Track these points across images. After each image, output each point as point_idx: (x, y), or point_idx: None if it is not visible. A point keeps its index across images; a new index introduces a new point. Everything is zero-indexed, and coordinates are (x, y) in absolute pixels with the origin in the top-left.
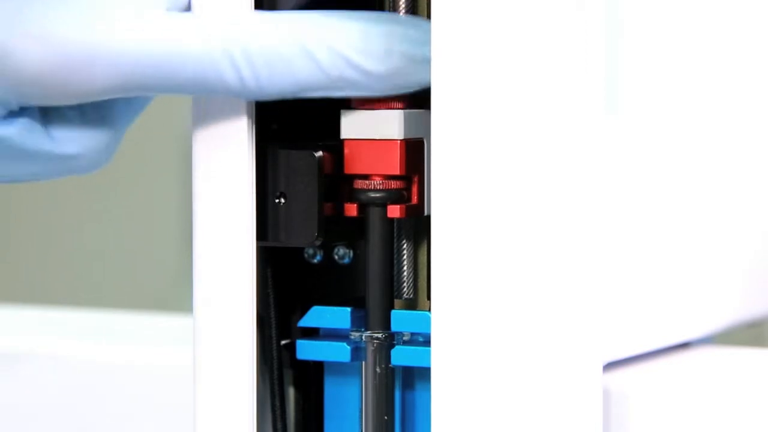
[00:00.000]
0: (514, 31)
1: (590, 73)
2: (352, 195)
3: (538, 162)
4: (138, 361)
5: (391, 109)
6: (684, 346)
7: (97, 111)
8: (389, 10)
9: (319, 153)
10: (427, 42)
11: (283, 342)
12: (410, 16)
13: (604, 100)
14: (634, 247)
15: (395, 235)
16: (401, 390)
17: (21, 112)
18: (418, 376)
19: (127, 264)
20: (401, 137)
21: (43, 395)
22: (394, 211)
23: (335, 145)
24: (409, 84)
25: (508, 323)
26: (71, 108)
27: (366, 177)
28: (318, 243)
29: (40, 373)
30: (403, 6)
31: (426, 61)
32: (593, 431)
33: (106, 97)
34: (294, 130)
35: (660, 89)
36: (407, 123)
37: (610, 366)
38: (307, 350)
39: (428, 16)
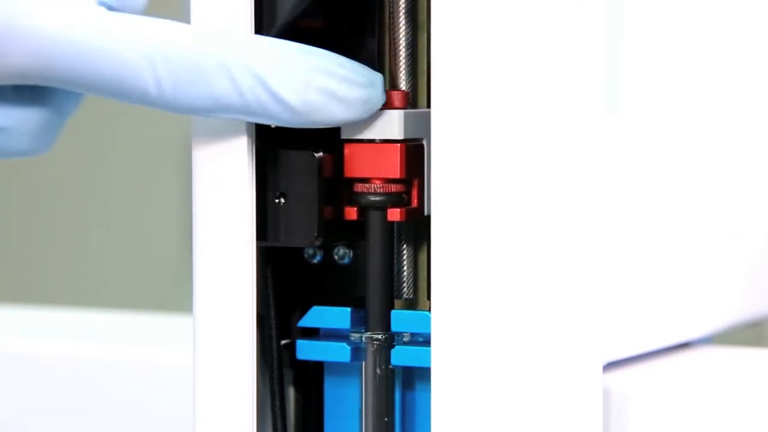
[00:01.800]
0: (514, 30)
1: (590, 73)
2: (352, 198)
3: (538, 162)
4: (138, 361)
5: (391, 109)
6: (684, 346)
7: (33, 89)
8: (389, 11)
9: (319, 153)
10: (353, 82)
11: (283, 342)
12: (339, 55)
13: (604, 101)
14: (634, 247)
15: (395, 235)
16: (401, 390)
17: None
18: (418, 376)
19: (127, 264)
20: (401, 137)
21: (43, 395)
22: (395, 214)
23: (335, 145)
24: (324, 121)
25: (508, 323)
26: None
27: (366, 180)
28: (318, 243)
29: (40, 373)
30: (403, 7)
31: (344, 101)
32: (593, 431)
33: (23, 82)
34: (294, 130)
35: (660, 90)
36: (407, 123)
37: (610, 366)
38: (307, 350)
39: (428, 16)
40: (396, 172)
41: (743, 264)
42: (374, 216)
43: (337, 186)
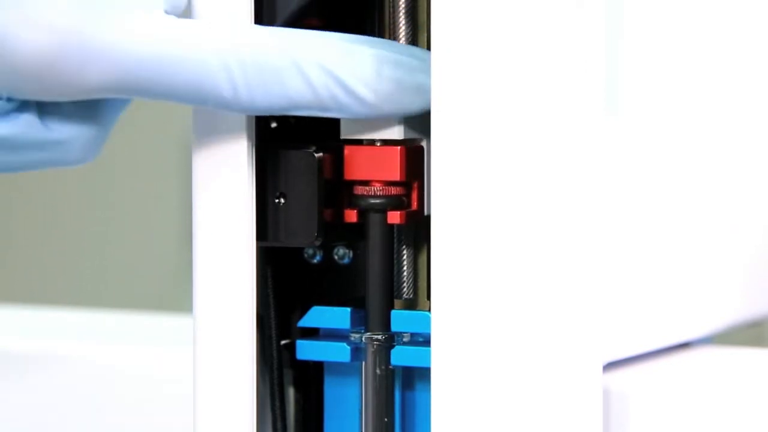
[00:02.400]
0: (514, 30)
1: (590, 73)
2: (352, 201)
3: (538, 162)
4: (138, 361)
5: None
6: (684, 346)
7: (88, 102)
8: (389, 12)
9: (319, 153)
10: (419, 70)
11: (283, 342)
12: (404, 44)
13: (604, 101)
14: (634, 247)
15: (395, 235)
16: (401, 390)
17: (21, 107)
18: (418, 376)
19: (127, 264)
20: (401, 137)
21: (42, 395)
22: (394, 217)
23: (335, 145)
24: (397, 110)
25: (508, 323)
26: None
27: (366, 183)
28: (318, 243)
29: (40, 374)
30: (403, 7)
31: (417, 90)
32: (593, 431)
33: (99, 96)
34: (294, 130)
35: (660, 90)
36: (407, 123)
37: (610, 366)
38: (307, 350)
39: (428, 16)
40: (396, 174)
41: (743, 264)
42: (374, 218)
43: (337, 188)
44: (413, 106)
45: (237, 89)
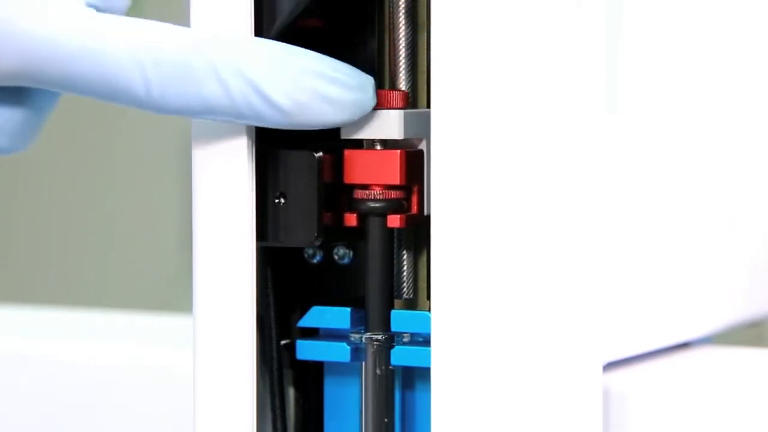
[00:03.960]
0: (514, 30)
1: (590, 72)
2: (352, 205)
3: (539, 161)
4: (138, 361)
5: (391, 109)
6: (684, 346)
7: (12, 89)
8: (389, 12)
9: (319, 153)
10: (343, 84)
11: (283, 342)
12: (329, 57)
13: (604, 100)
14: (634, 247)
15: (395, 236)
16: (401, 390)
17: None
18: (418, 376)
19: (127, 264)
20: (401, 137)
21: (43, 395)
22: (394, 221)
23: (335, 145)
24: (314, 122)
25: (508, 323)
26: None
27: (366, 187)
28: (318, 243)
29: (40, 373)
30: (403, 7)
31: (334, 103)
32: (593, 431)
33: (11, 83)
34: (294, 130)
35: (660, 88)
36: (407, 123)
37: (610, 366)
38: (307, 350)
39: (428, 16)
40: (396, 178)
41: (743, 264)
42: (374, 222)
43: (337, 192)
44: (331, 118)
45: (150, 88)
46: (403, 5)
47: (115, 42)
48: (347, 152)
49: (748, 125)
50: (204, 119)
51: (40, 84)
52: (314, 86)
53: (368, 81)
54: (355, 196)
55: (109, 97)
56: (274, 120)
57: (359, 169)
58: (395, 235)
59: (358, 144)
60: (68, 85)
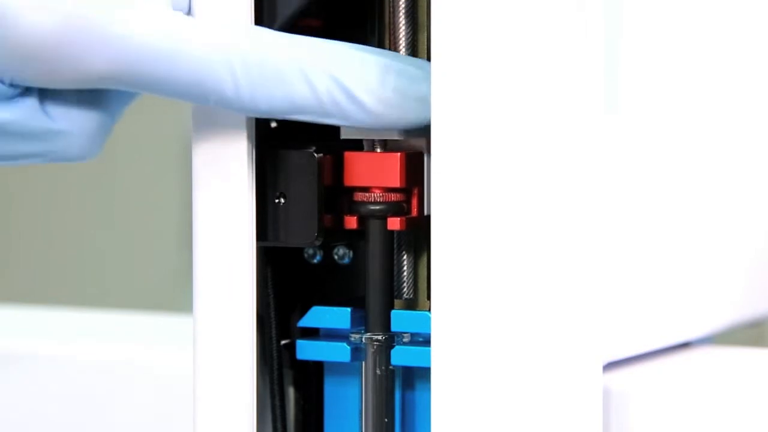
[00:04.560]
0: (514, 31)
1: (590, 73)
2: (352, 207)
3: (539, 161)
4: (138, 361)
5: None
6: (684, 346)
7: (92, 93)
8: (389, 12)
9: (319, 153)
10: (422, 80)
11: (283, 342)
12: (406, 55)
13: (603, 101)
14: (634, 247)
15: (395, 237)
16: (401, 390)
17: (23, 94)
18: (418, 376)
19: (127, 264)
20: (401, 137)
21: (42, 395)
22: (395, 223)
23: (335, 145)
24: (401, 121)
25: (509, 323)
26: None
27: (366, 189)
28: (318, 243)
29: (40, 373)
30: (403, 7)
31: (420, 100)
32: (593, 431)
33: (101, 86)
34: (294, 130)
35: (660, 89)
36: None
37: (610, 366)
38: (307, 350)
39: (428, 16)
40: (396, 181)
41: (743, 264)
42: (374, 225)
43: (337, 194)
44: (416, 116)
45: (239, 88)
46: (403, 5)
47: (205, 43)
48: (347, 154)
49: (748, 126)
50: (291, 119)
51: (128, 86)
52: (399, 85)
53: None
54: (356, 198)
55: (197, 99)
56: (361, 119)
57: (359, 171)
58: (395, 235)
59: (358, 145)
60: (157, 87)
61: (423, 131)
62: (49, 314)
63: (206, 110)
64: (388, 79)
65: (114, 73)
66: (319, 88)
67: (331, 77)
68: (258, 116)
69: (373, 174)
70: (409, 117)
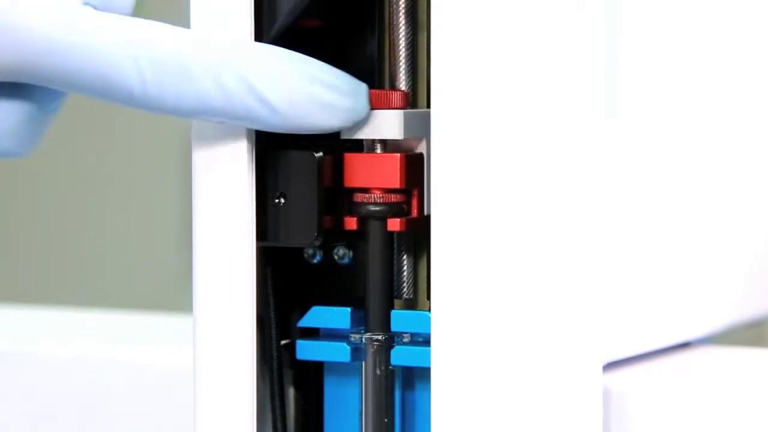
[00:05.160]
0: (514, 31)
1: (590, 75)
2: (352, 208)
3: (538, 162)
4: (138, 361)
5: (391, 109)
6: (684, 346)
7: (11, 86)
8: (389, 12)
9: (319, 153)
10: (338, 89)
11: (283, 342)
12: (324, 63)
13: (603, 103)
14: (634, 248)
15: (395, 237)
16: (401, 390)
17: None
18: (418, 376)
19: (127, 264)
20: (401, 137)
21: (43, 395)
22: (394, 224)
23: (335, 145)
24: (308, 127)
25: (509, 323)
26: None
27: (366, 190)
28: (318, 243)
29: (40, 373)
30: (403, 7)
31: (329, 108)
32: (593, 431)
33: (5, 79)
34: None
35: (660, 92)
36: (407, 123)
37: (610, 366)
38: (307, 350)
39: (428, 16)
40: (396, 182)
41: (743, 264)
42: (374, 226)
43: (337, 195)
44: (323, 123)
45: (146, 86)
46: (403, 5)
47: (111, 38)
48: (347, 156)
49: (747, 127)
50: (199, 119)
51: (35, 80)
52: (310, 90)
53: (362, 88)
54: (355, 199)
55: (104, 95)
56: (268, 122)
57: (359, 172)
58: (395, 235)
59: (358, 145)
60: (63, 82)
61: (423, 132)
62: (49, 314)
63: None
64: (300, 84)
65: (16, 66)
66: (229, 89)
67: (241, 78)
68: (167, 115)
69: (373, 175)
70: (319, 123)
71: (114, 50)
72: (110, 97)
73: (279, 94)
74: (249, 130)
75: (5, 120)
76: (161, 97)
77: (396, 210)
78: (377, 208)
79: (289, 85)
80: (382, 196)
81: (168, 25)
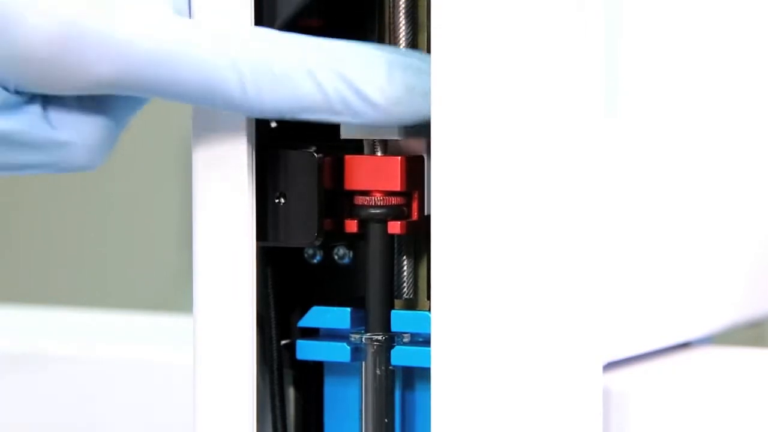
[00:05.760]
0: (514, 32)
1: (590, 75)
2: (353, 211)
3: (538, 163)
4: (138, 361)
5: None
6: (684, 346)
7: (95, 98)
8: (389, 12)
9: (319, 153)
10: (428, 73)
11: (283, 342)
12: (410, 49)
13: (603, 103)
14: (634, 248)
15: (395, 239)
16: (401, 390)
17: (27, 102)
18: (418, 376)
19: (127, 264)
20: (401, 137)
21: (43, 395)
22: (395, 227)
23: (335, 145)
24: (408, 115)
25: (508, 323)
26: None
27: (366, 193)
28: (318, 243)
29: (39, 374)
30: (403, 7)
31: (426, 94)
32: (593, 431)
33: (104, 91)
34: (294, 130)
35: (660, 92)
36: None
37: (610, 366)
38: (307, 350)
39: (428, 16)
40: (396, 184)
41: (743, 264)
42: (375, 228)
43: (338, 198)
44: (423, 111)
45: (247, 90)
46: (403, 5)
47: (210, 46)
48: (348, 158)
49: (747, 127)
50: (300, 119)
51: (133, 91)
52: (406, 80)
53: None
54: (356, 202)
55: (205, 101)
56: (369, 116)
57: (360, 175)
58: (395, 237)
59: (358, 146)
60: (163, 91)
61: (424, 132)
62: (49, 314)
63: (206, 110)
64: (395, 74)
65: (117, 78)
66: (327, 87)
67: (339, 75)
68: (267, 117)
69: (374, 178)
70: (417, 112)
71: (213, 58)
72: (211, 103)
73: (376, 87)
74: (249, 130)
75: (88, 138)
76: (261, 101)
77: (397, 213)
78: (378, 211)
79: (385, 76)
80: (383, 199)
81: (260, 28)
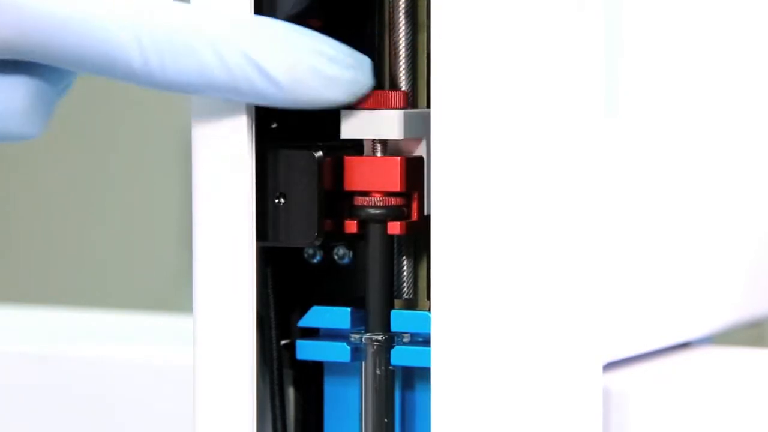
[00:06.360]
0: (514, 31)
1: (590, 75)
2: (352, 212)
3: (538, 164)
4: (138, 361)
5: (391, 109)
6: (684, 346)
7: (17, 65)
8: (389, 12)
9: (319, 153)
10: (341, 62)
11: (283, 342)
12: (327, 36)
13: (603, 103)
14: (634, 247)
15: (395, 240)
16: (401, 390)
17: None
18: (418, 376)
19: (127, 264)
20: (401, 137)
21: (43, 395)
22: (395, 227)
23: (335, 145)
24: (313, 100)
25: (508, 323)
26: None
27: (366, 194)
28: (318, 243)
29: (39, 374)
30: (403, 7)
31: (332, 81)
32: (593, 431)
33: (6, 56)
34: (294, 130)
35: (660, 91)
36: (407, 123)
37: (610, 366)
38: (307, 350)
39: (428, 16)
40: (396, 185)
41: (743, 264)
42: (374, 229)
43: (338, 199)
44: (326, 96)
45: (147, 62)
46: (403, 5)
47: (111, 13)
48: (347, 159)
49: (747, 127)
50: (202, 95)
51: (35, 57)
52: (312, 63)
53: (366, 61)
54: (356, 203)
55: (105, 71)
56: (271, 96)
57: (359, 175)
58: (395, 237)
59: (358, 146)
60: (63, 59)
61: (423, 132)
62: (49, 314)
63: (207, 109)
64: (302, 56)
65: (16, 41)
66: (231, 63)
67: (242, 50)
68: (171, 91)
69: (374, 178)
70: (322, 96)
71: (114, 25)
72: (111, 74)
73: (281, 67)
74: (249, 129)
75: (12, 100)
76: (163, 72)
77: (396, 213)
78: (378, 212)
79: (292, 57)
80: (383, 200)
81: (168, 0)
